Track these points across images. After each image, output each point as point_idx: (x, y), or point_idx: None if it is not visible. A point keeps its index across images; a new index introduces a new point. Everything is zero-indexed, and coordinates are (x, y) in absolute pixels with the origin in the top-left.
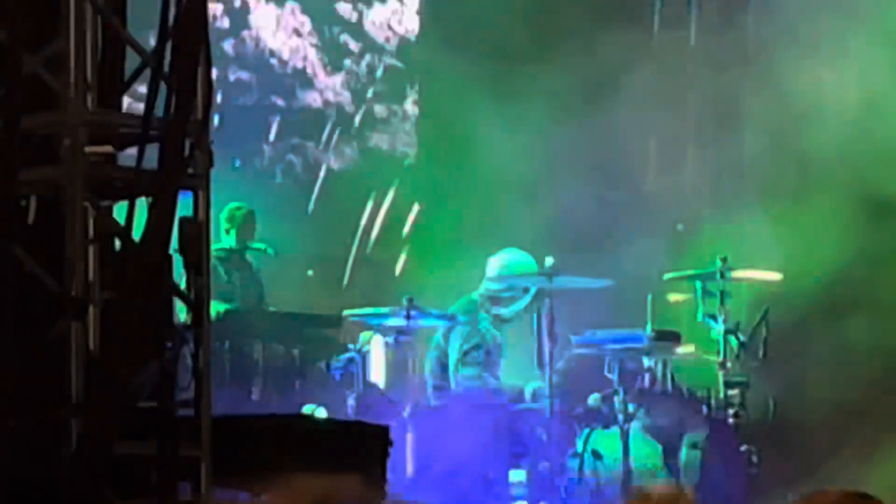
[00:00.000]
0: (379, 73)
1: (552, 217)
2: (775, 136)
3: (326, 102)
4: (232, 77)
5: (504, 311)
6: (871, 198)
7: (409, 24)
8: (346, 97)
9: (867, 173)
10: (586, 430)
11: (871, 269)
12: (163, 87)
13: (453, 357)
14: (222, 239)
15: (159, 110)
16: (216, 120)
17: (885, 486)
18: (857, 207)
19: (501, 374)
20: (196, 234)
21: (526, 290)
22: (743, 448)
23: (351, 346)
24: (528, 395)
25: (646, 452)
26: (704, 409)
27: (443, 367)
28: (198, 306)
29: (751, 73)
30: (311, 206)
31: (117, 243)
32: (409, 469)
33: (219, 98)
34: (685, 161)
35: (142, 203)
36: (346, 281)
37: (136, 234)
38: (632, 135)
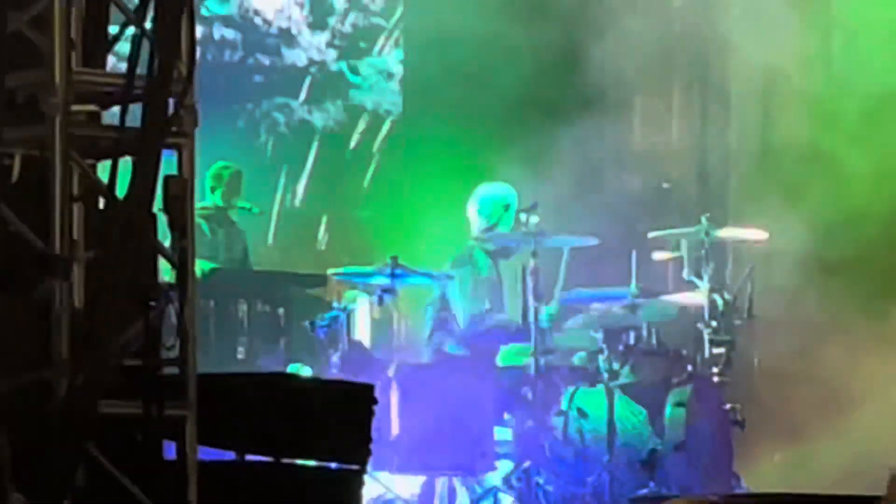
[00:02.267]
0: (364, 31)
1: (537, 175)
2: (762, 94)
3: (311, 61)
4: (217, 36)
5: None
6: (859, 154)
7: None
8: (330, 56)
9: (852, 129)
10: (571, 389)
11: (859, 227)
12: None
13: (460, 303)
14: (207, 197)
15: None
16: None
17: (866, 441)
18: (846, 164)
19: (508, 307)
20: (181, 193)
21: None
22: (728, 406)
23: (336, 304)
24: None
25: (631, 410)
26: (689, 367)
27: (445, 322)
28: (182, 265)
29: (737, 30)
30: (308, 166)
31: (102, 202)
32: (394, 428)
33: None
34: (671, 120)
35: (127, 162)
36: (325, 239)
37: (121, 194)
38: (618, 94)
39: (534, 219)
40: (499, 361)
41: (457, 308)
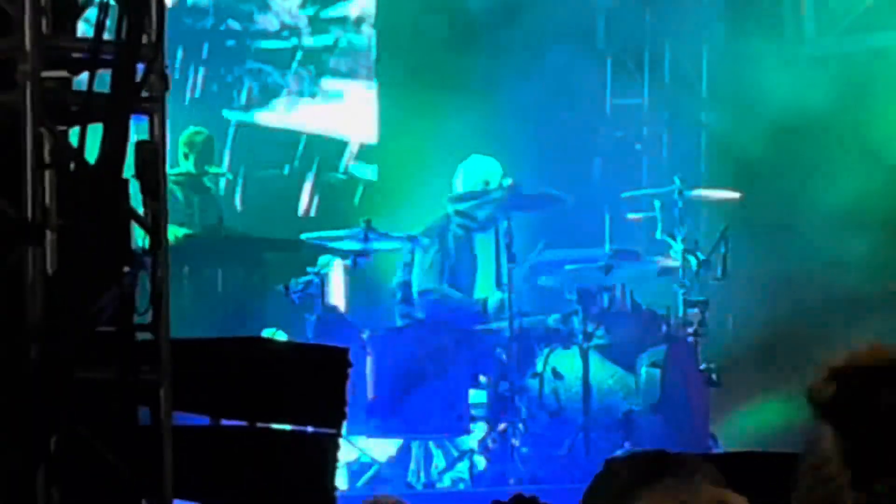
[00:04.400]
0: None
1: (512, 138)
2: (735, 55)
3: (283, 26)
4: (189, 1)
5: (475, 221)
6: (830, 112)
7: None
8: (303, 21)
9: (825, 88)
10: (546, 350)
11: (831, 183)
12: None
13: (417, 275)
14: (181, 164)
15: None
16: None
17: None
18: (821, 123)
19: (477, 287)
20: (152, 158)
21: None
22: (703, 366)
23: (310, 269)
24: (490, 308)
25: (606, 371)
26: (664, 327)
27: (408, 287)
28: (155, 230)
29: None
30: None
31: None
32: (369, 391)
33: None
34: (642, 81)
35: (97, 128)
36: (303, 205)
37: (92, 160)
38: (588, 58)
39: (506, 181)
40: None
41: (413, 277)
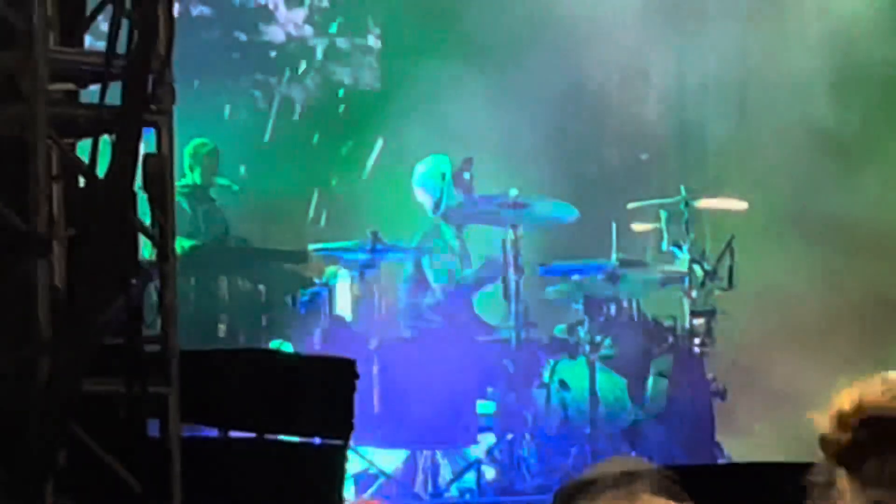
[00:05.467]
0: (341, 6)
1: (516, 149)
2: (740, 65)
3: (289, 37)
4: (194, 13)
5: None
6: (834, 129)
7: None
8: (308, 31)
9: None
10: (553, 361)
11: (837, 197)
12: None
13: (430, 271)
14: (186, 175)
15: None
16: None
17: None
18: (826, 135)
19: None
20: (160, 170)
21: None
22: (709, 377)
23: (317, 280)
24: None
25: (612, 382)
26: (670, 337)
27: (415, 295)
28: (163, 242)
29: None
30: (266, 137)
31: (81, 181)
32: (376, 402)
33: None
34: (649, 91)
35: (105, 141)
36: (310, 215)
37: (101, 172)
38: (594, 69)
39: (513, 191)
40: (476, 309)
41: (429, 274)
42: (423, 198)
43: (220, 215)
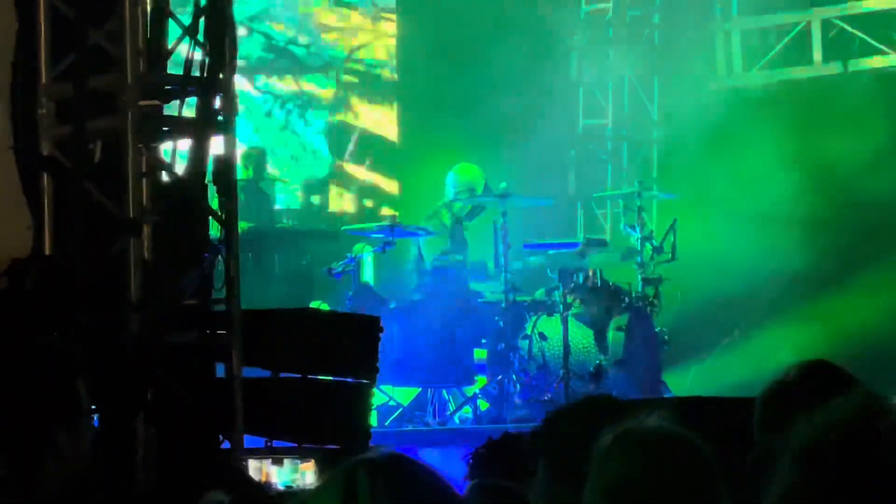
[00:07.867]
0: None
1: (503, 150)
2: (679, 86)
3: (327, 65)
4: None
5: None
6: (756, 131)
7: None
8: (339, 60)
9: (749, 112)
10: (534, 317)
11: (755, 186)
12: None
13: (429, 252)
14: (241, 172)
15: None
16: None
17: (767, 359)
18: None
19: (469, 254)
20: (225, 168)
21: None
22: (657, 330)
23: (348, 254)
24: (490, 268)
25: (581, 334)
26: (626, 300)
27: (419, 269)
28: (228, 224)
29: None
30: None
31: (165, 176)
32: (395, 350)
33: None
34: (608, 105)
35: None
36: (329, 200)
37: (179, 170)
38: (564, 87)
39: (502, 185)
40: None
41: (426, 254)
42: (450, 191)
43: (267, 204)
